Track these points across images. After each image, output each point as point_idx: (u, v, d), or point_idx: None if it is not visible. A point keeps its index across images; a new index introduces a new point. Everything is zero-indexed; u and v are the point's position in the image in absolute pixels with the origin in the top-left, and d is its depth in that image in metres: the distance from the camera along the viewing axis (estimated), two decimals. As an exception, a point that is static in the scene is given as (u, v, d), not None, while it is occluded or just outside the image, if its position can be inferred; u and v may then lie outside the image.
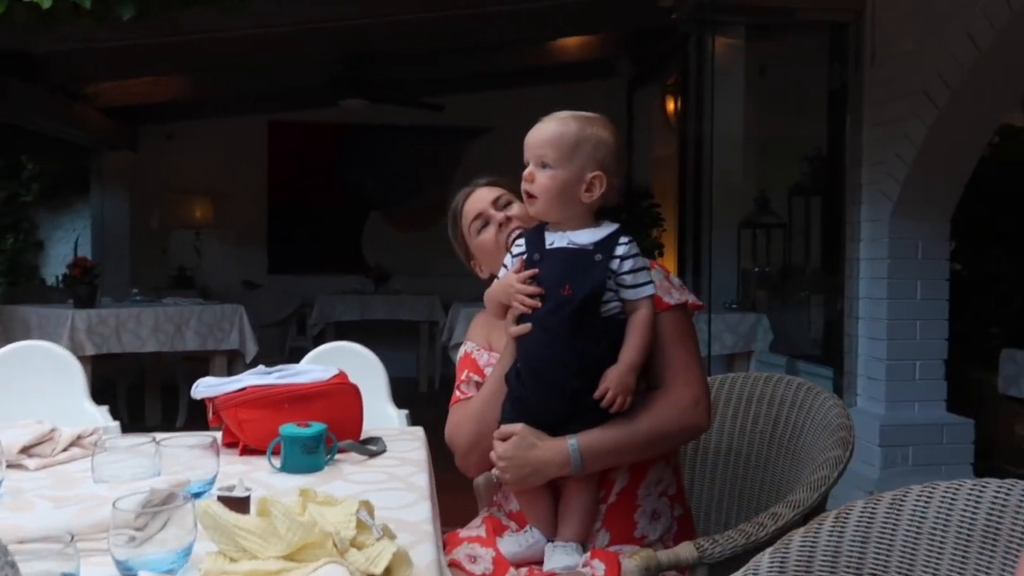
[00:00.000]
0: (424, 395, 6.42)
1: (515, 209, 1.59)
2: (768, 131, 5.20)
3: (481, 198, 1.62)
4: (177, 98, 6.33)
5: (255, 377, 1.59)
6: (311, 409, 1.52)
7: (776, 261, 5.03)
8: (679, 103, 6.07)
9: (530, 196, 1.37)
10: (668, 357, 1.42)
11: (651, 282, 1.37)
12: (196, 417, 4.72)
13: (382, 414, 2.15)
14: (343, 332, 5.96)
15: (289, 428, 1.42)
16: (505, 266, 1.44)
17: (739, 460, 1.89)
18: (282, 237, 7.31)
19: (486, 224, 1.60)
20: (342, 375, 1.68)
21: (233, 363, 4.72)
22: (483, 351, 1.58)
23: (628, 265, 1.34)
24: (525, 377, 1.37)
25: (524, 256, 1.39)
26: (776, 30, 4.71)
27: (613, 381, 1.32)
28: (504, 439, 1.39)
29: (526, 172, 1.37)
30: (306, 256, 7.28)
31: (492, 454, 1.41)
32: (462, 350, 1.62)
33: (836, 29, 3.78)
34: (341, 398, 1.59)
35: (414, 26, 5.18)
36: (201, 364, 4.66)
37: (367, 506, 0.98)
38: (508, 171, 1.67)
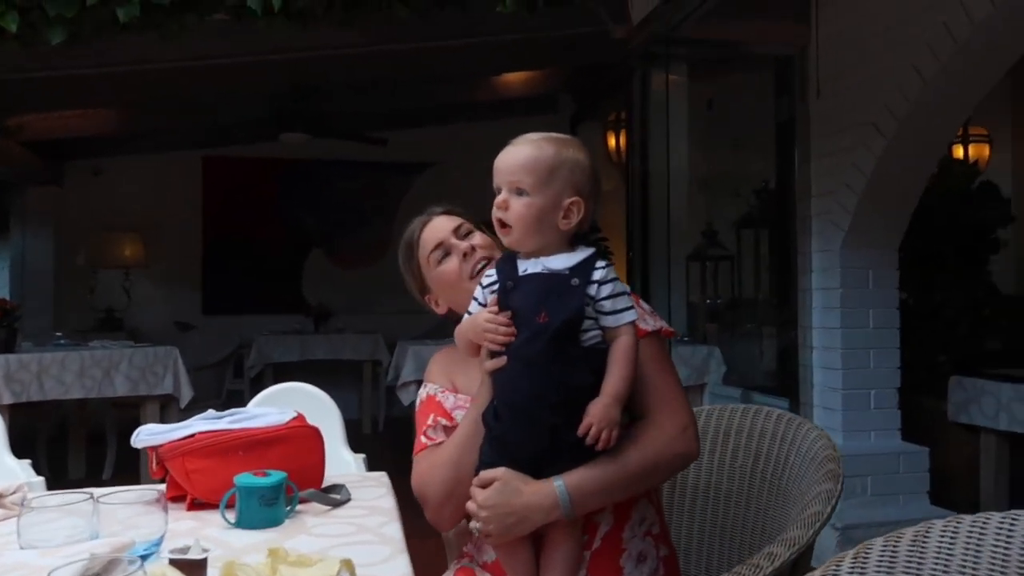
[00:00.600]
0: (368, 437, 6.29)
1: (477, 238, 1.54)
2: (715, 165, 5.28)
3: (440, 227, 1.54)
4: (107, 132, 6.13)
5: (205, 422, 1.46)
6: (268, 456, 1.40)
7: (725, 293, 5.07)
8: (621, 138, 6.11)
9: (503, 225, 1.30)
10: (650, 385, 1.37)
11: (632, 308, 1.31)
12: (126, 469, 4.51)
13: (338, 459, 2.05)
14: (282, 373, 5.81)
15: (245, 478, 1.30)
16: (475, 299, 1.36)
17: (719, 497, 1.82)
18: (218, 276, 7.16)
19: (447, 254, 1.52)
20: (300, 418, 1.56)
21: (167, 409, 4.54)
22: (448, 393, 1.49)
23: (607, 290, 1.28)
24: (502, 413, 1.29)
25: (496, 286, 1.32)
26: (722, 64, 4.80)
27: (597, 415, 1.25)
28: (484, 486, 1.29)
29: (499, 199, 1.30)
30: (243, 295, 7.15)
31: (470, 504, 1.31)
32: (423, 393, 1.52)
33: (782, 63, 3.86)
34: (301, 443, 1.47)
35: (357, 59, 5.13)
36: (132, 411, 4.48)
37: (348, 566, 0.86)
38: (458, 204, 1.62)
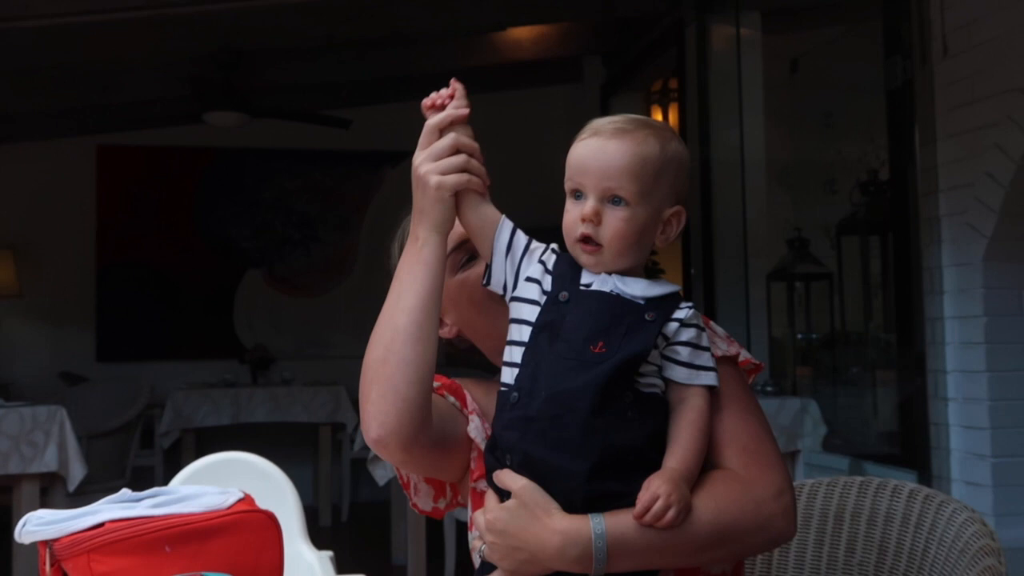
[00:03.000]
0: (327, 531, 6.27)
1: None
2: (802, 150, 5.29)
3: None
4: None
5: (117, 507, 1.45)
6: (207, 552, 1.39)
7: (822, 325, 5.06)
8: (671, 115, 6.14)
9: (590, 243, 1.34)
10: (726, 426, 1.39)
11: (715, 370, 1.36)
12: (-2, 574, 4.47)
13: (295, 556, 2.05)
14: (208, 442, 5.80)
15: (175, 584, 1.28)
16: (533, 300, 1.37)
17: (831, 605, 1.81)
18: (117, 310, 7.17)
19: (472, 258, 1.55)
20: (248, 500, 1.54)
21: (49, 492, 4.53)
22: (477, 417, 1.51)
23: (688, 335, 1.34)
24: (519, 471, 1.32)
25: (547, 289, 1.36)
26: (811, 12, 4.83)
27: (663, 490, 1.26)
28: (501, 491, 1.33)
29: (587, 210, 1.33)
30: (152, 336, 7.16)
31: (478, 516, 1.36)
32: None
33: (892, 8, 3.88)
34: (251, 535, 1.46)
35: (308, 11, 5.17)
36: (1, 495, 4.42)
37: None
38: None
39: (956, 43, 3.62)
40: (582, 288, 1.35)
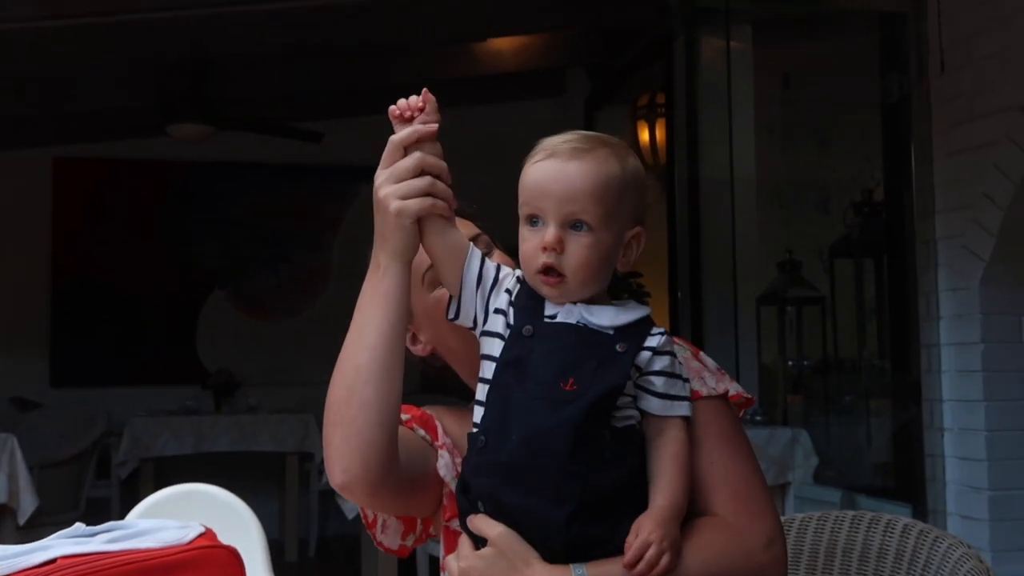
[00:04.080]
0: (294, 567, 6.23)
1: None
2: (795, 168, 5.30)
3: None
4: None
5: (70, 542, 1.45)
6: (165, 591, 1.37)
7: (814, 351, 5.06)
8: (659, 131, 6.16)
9: (552, 273, 1.32)
10: (717, 469, 1.40)
11: (688, 398, 1.36)
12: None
13: None
14: (168, 473, 5.75)
15: (132, 624, 1.27)
16: (500, 334, 1.36)
17: (822, 648, 1.82)
18: (72, 333, 7.13)
19: None
20: (209, 534, 1.54)
21: (-2, 525, 4.46)
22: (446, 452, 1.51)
23: (661, 364, 1.33)
24: (494, 517, 1.32)
25: (509, 325, 1.34)
26: (804, 26, 4.86)
27: (655, 534, 1.26)
28: (476, 537, 1.32)
29: (549, 239, 1.30)
30: (110, 360, 7.12)
31: (451, 561, 1.35)
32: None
33: (889, 23, 3.93)
34: (212, 572, 1.45)
35: (278, 18, 5.17)
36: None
37: None
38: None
39: (954, 59, 3.65)
40: (547, 320, 1.33)
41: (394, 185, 1.32)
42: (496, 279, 1.37)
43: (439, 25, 5.63)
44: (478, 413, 1.34)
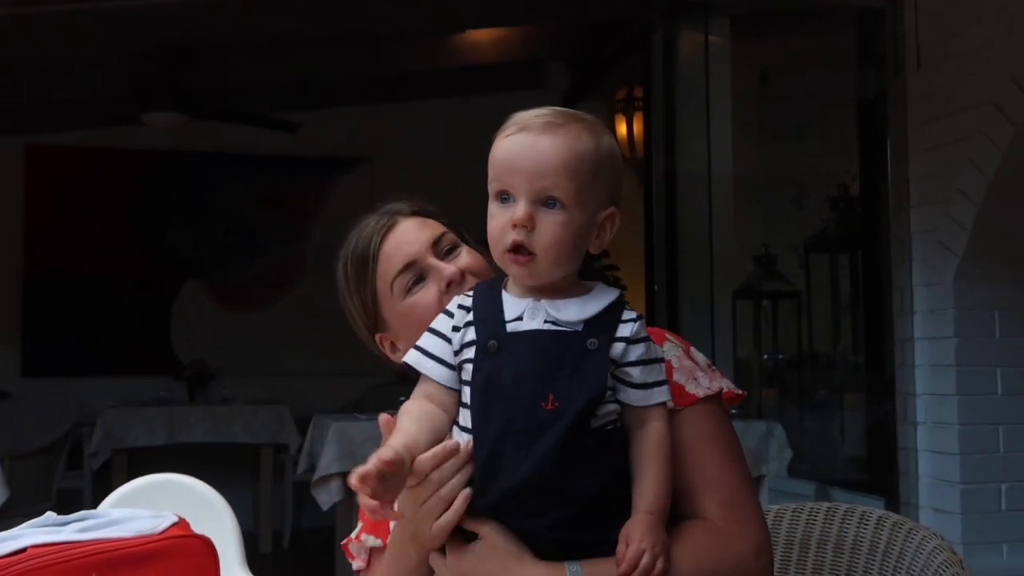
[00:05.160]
0: (268, 559, 6.21)
1: (465, 257, 1.53)
2: (772, 163, 5.32)
3: (412, 237, 1.53)
4: None
5: (41, 532, 1.45)
6: (138, 581, 1.37)
7: (789, 345, 5.08)
8: (636, 125, 6.18)
9: (522, 252, 1.27)
10: (709, 473, 1.38)
11: (666, 383, 1.33)
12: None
13: None
14: (141, 464, 5.71)
15: (103, 614, 1.27)
16: (422, 348, 1.33)
17: (795, 638, 1.83)
18: (44, 322, 7.09)
19: (421, 279, 1.52)
20: (183, 524, 1.54)
21: (-32, 516, 4.42)
22: None
23: (637, 353, 1.29)
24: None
25: (475, 342, 1.30)
26: (782, 20, 4.88)
27: (646, 540, 1.24)
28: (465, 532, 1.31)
29: (519, 215, 1.26)
30: (81, 350, 7.09)
31: (435, 558, 1.33)
32: None
33: (866, 18, 3.95)
34: (185, 562, 1.46)
35: (255, 7, 5.15)
36: (-85, 519, 4.36)
37: None
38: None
39: (931, 55, 3.67)
40: (511, 330, 1.28)
41: (416, 516, 1.29)
42: (452, 333, 1.32)
43: (417, 17, 5.62)
44: (460, 437, 1.29)
